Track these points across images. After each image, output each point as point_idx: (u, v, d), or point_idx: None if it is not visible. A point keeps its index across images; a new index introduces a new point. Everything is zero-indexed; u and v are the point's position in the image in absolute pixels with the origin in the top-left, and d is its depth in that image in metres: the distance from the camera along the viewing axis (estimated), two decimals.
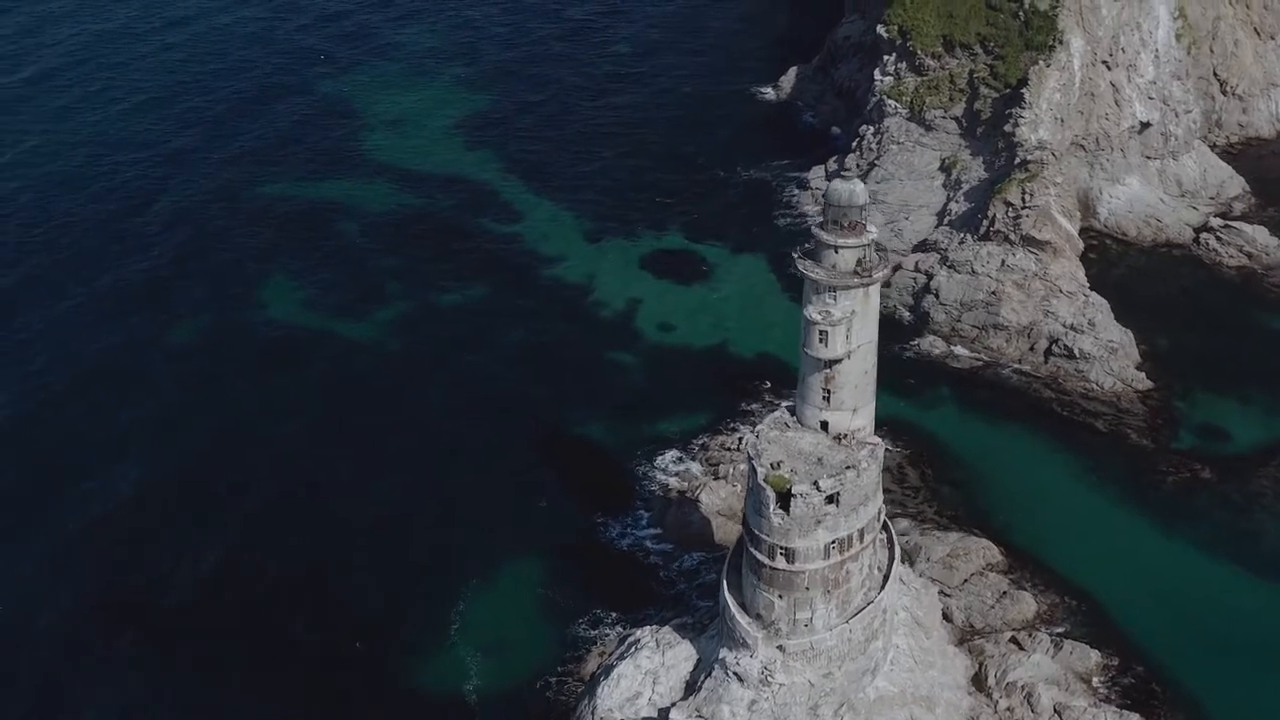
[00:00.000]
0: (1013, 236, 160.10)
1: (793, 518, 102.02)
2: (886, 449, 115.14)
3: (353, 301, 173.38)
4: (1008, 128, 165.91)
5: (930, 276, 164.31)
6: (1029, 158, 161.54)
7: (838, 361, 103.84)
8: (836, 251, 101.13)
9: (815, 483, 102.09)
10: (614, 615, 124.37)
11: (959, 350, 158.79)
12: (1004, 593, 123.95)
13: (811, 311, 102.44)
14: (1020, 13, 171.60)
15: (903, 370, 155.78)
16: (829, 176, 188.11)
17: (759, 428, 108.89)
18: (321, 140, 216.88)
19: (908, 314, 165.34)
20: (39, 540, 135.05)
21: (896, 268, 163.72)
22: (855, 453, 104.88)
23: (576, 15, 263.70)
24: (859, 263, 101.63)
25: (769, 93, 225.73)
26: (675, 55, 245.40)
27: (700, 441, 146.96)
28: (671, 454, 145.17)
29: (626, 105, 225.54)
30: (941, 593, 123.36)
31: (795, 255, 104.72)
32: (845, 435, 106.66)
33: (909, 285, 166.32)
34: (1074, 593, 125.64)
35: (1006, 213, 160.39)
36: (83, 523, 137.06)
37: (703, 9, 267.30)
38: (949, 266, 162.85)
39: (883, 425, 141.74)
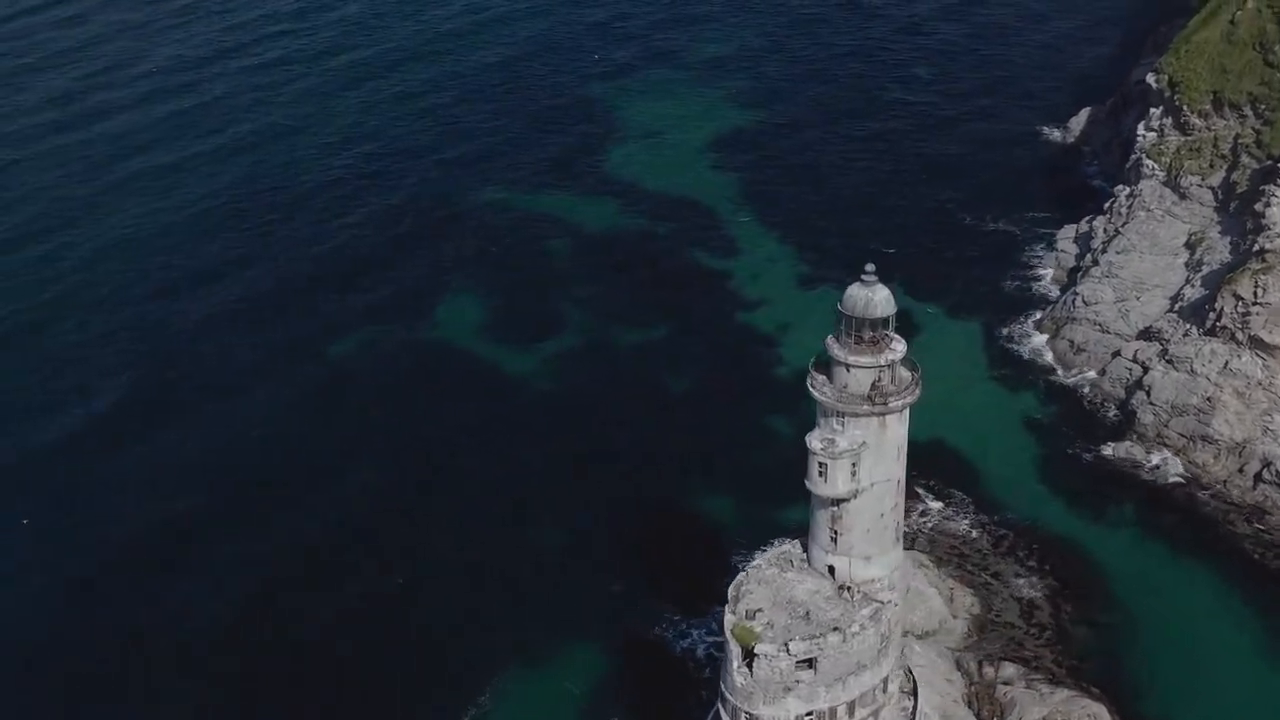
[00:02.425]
0: (1240, 335, 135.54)
1: (756, 680, 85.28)
2: (1026, 574, 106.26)
3: (527, 331, 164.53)
4: (1259, 205, 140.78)
5: (1146, 370, 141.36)
6: (1269, 245, 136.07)
7: (845, 500, 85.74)
8: (848, 370, 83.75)
9: (785, 644, 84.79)
10: None
11: (1156, 460, 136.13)
12: None
13: (813, 438, 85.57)
14: None
15: (1085, 477, 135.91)
16: (1078, 239, 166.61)
17: (755, 562, 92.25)
18: (564, 148, 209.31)
19: (1113, 410, 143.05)
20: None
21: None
22: (854, 610, 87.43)
23: (877, 33, 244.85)
24: (874, 386, 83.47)
25: (1055, 133, 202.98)
26: (969, 82, 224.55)
27: None
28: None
29: (897, 134, 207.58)
30: None
31: (811, 365, 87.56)
32: (852, 586, 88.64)
33: (1122, 377, 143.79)
34: None
35: (1235, 306, 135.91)
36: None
37: (1010, 33, 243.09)
38: (1167, 361, 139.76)
39: (1035, 544, 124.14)
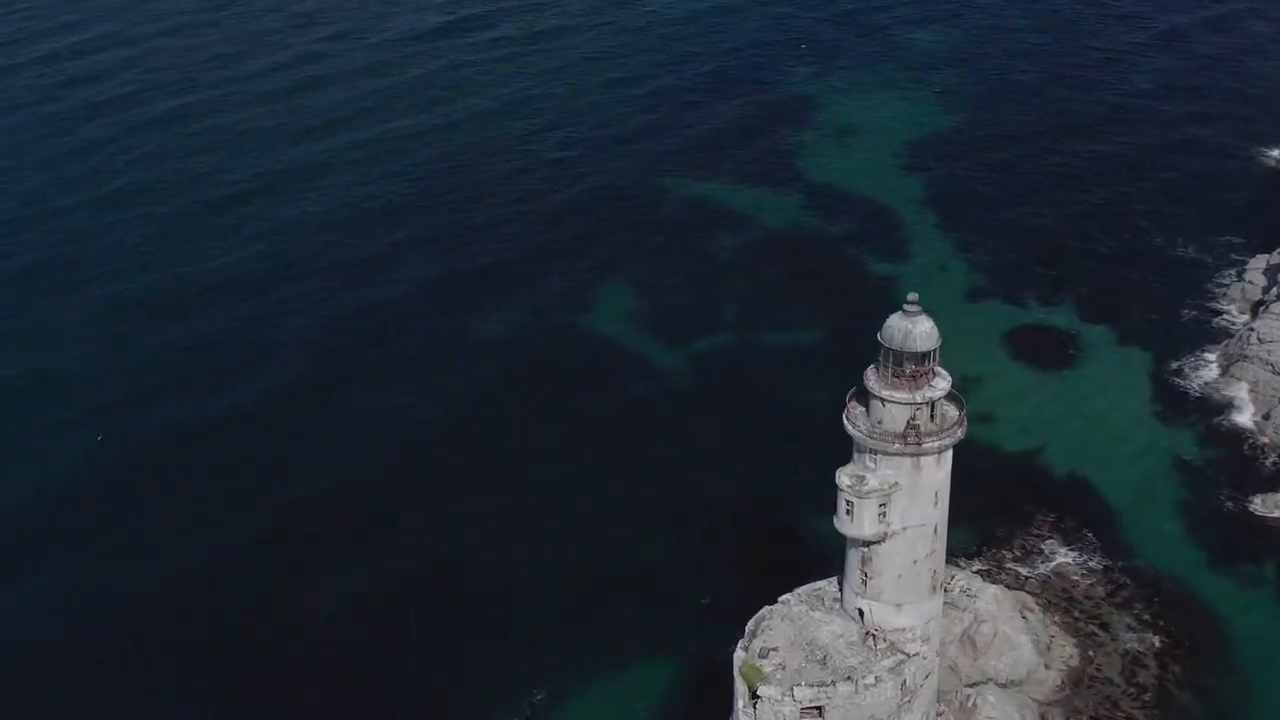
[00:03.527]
0: None
1: None
2: (1138, 628, 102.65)
3: (680, 325, 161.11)
4: None
5: None
6: None
7: (875, 542, 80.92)
8: (883, 405, 78.64)
9: (792, 688, 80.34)
10: None
11: None
12: None
13: (842, 474, 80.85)
14: None
15: (1227, 529, 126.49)
16: (1268, 270, 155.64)
17: (785, 597, 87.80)
18: (757, 141, 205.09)
19: (1272, 459, 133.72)
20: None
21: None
22: (875, 661, 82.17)
23: (1117, 42, 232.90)
24: (910, 424, 78.27)
25: (1271, 159, 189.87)
26: (1198, 98, 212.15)
27: None
28: None
29: (1103, 153, 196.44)
30: None
31: (850, 395, 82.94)
32: (879, 634, 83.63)
33: None
34: None
35: None
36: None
37: (1260, 48, 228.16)
38: None
39: (1156, 595, 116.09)
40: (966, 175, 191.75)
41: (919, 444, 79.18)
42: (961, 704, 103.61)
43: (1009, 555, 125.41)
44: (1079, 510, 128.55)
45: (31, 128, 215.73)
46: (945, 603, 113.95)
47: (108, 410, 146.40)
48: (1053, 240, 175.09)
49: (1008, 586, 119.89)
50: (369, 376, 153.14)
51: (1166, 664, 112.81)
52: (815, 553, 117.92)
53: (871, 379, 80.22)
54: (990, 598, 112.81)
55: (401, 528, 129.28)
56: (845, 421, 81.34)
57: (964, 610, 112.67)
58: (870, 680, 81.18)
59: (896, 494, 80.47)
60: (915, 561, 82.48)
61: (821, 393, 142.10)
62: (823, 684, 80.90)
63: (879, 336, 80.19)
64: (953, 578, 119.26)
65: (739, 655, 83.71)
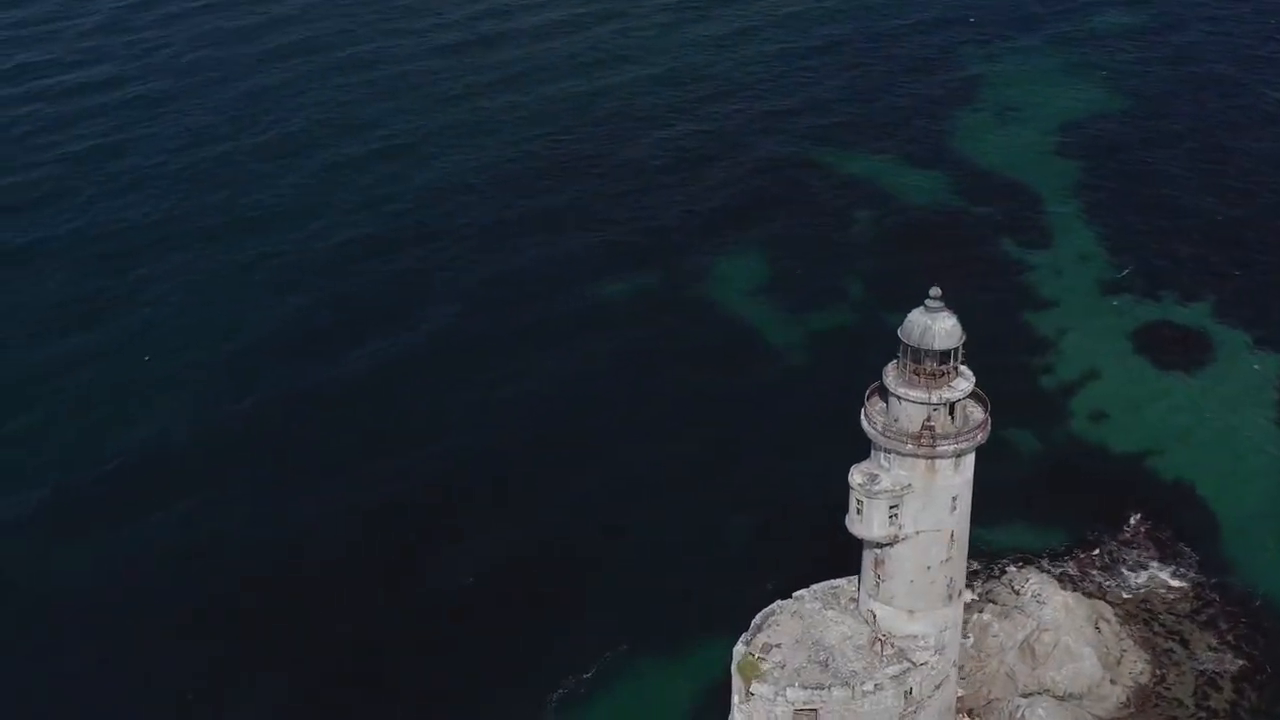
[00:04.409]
0: None
1: (749, 719, 79.56)
2: (1218, 649, 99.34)
3: (797, 301, 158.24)
4: None
5: None
6: None
7: (886, 544, 78.61)
8: (900, 402, 76.09)
9: (785, 689, 78.51)
10: None
11: None
12: None
13: (855, 471, 78.41)
14: None
15: None
16: None
17: (799, 593, 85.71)
18: (912, 114, 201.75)
19: None
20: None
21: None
22: (879, 668, 79.70)
23: None
24: (925, 425, 75.64)
25: None
26: None
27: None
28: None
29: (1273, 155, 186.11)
30: None
31: (870, 390, 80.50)
32: (888, 639, 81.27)
33: None
34: None
35: None
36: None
37: None
38: None
39: (1244, 617, 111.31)
40: (1127, 165, 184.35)
41: (933, 446, 75.81)
42: (1010, 714, 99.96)
43: (1096, 561, 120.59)
44: (1180, 522, 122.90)
45: (210, 69, 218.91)
46: (1014, 607, 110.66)
47: (244, 360, 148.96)
48: (1205, 240, 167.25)
49: (1087, 594, 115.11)
50: (515, 340, 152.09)
51: (1243, 689, 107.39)
52: None
53: (890, 375, 77.14)
54: (1059, 605, 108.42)
55: (516, 498, 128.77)
56: (862, 417, 78.38)
57: (1029, 616, 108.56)
58: (869, 687, 78.35)
59: (909, 496, 77.47)
60: (929, 568, 79.37)
61: None
62: (819, 686, 78.17)
63: (899, 332, 76.79)
64: (1028, 581, 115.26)
65: (738, 649, 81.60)
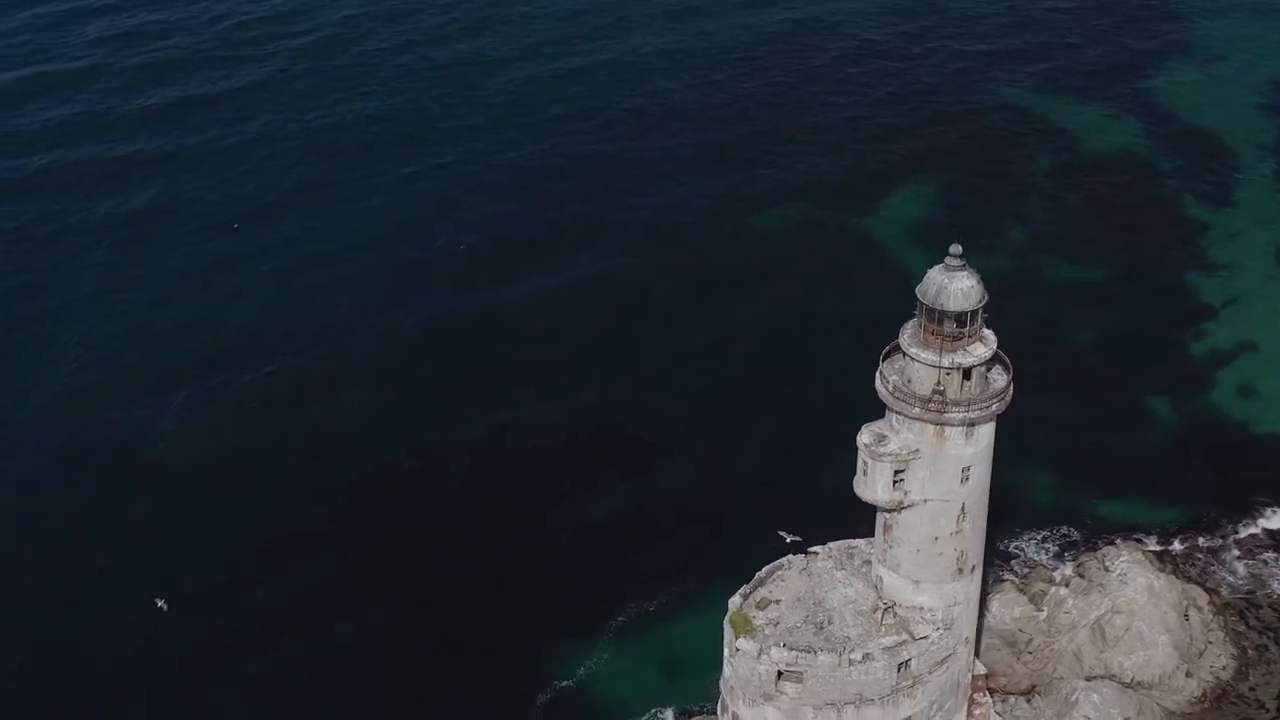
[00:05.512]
0: None
1: (736, 675, 77.55)
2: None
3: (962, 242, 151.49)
4: None
5: None
6: None
7: (893, 510, 75.49)
8: (912, 363, 72.64)
9: (770, 648, 76.15)
10: None
11: None
12: None
13: (865, 431, 75.19)
14: None
15: None
16: None
17: (813, 549, 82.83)
18: (1114, 57, 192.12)
19: None
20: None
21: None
22: (875, 637, 76.67)
23: None
24: (935, 388, 72.09)
25: None
26: None
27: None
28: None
29: None
30: None
31: (889, 346, 77.02)
32: (892, 608, 78.10)
33: None
34: None
35: None
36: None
37: None
38: None
39: None
40: None
41: (940, 412, 71.51)
42: (1066, 697, 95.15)
43: (1205, 543, 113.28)
44: None
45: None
46: (1096, 584, 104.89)
47: (412, 275, 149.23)
48: None
49: (1186, 579, 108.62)
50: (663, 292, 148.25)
51: None
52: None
53: (905, 334, 72.99)
54: (1142, 587, 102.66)
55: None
56: (877, 375, 74.52)
57: (1106, 595, 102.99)
58: (857, 656, 74.80)
59: (916, 462, 73.33)
60: (936, 538, 75.30)
61: (1089, 332, 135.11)
62: (807, 649, 74.97)
63: (917, 290, 72.50)
64: (1119, 558, 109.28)
65: (734, 601, 78.83)
